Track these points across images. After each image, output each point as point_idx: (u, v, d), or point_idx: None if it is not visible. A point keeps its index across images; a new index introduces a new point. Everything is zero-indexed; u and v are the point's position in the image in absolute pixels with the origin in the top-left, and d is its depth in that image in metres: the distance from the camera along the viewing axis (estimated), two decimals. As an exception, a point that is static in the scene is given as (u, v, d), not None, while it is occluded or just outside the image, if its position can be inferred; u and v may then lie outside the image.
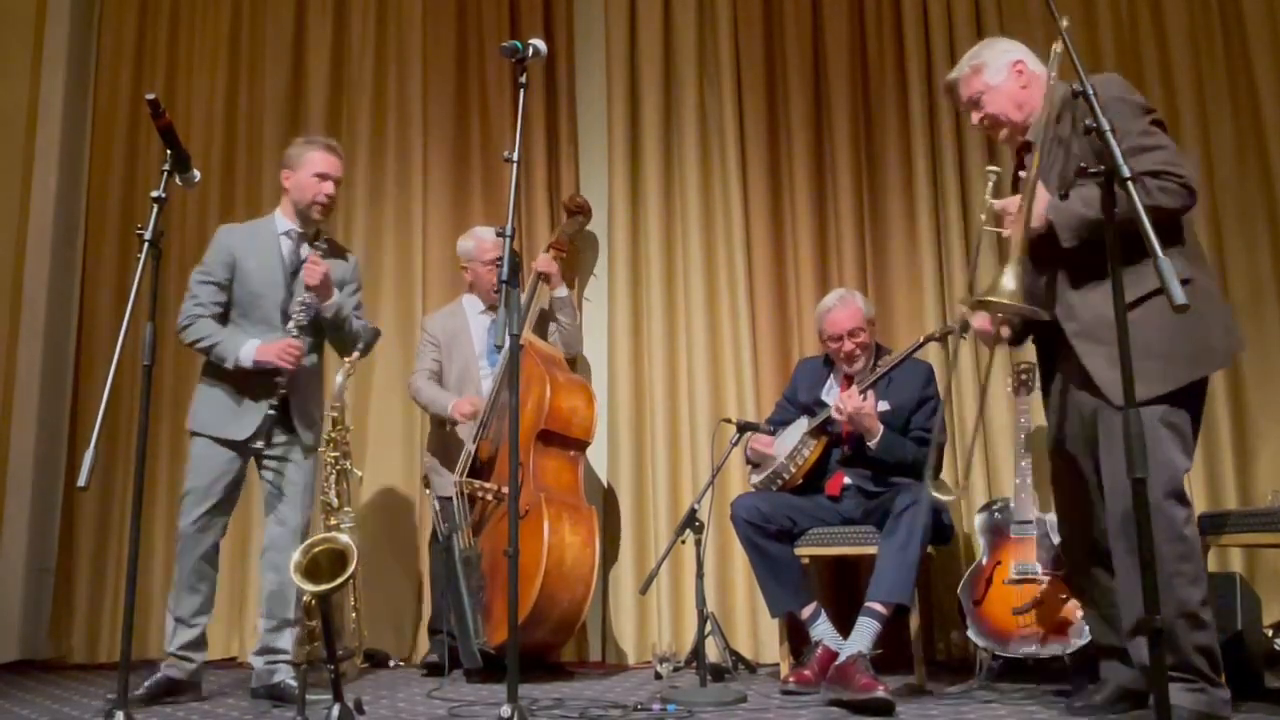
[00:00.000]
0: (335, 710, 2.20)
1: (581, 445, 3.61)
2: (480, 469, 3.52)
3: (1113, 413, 2.20)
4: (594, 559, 3.37)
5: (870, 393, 3.14)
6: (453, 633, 3.33)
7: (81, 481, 2.10)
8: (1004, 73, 2.49)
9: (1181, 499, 2.20)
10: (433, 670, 3.47)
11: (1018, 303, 2.09)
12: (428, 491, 3.67)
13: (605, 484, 4.01)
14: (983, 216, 2.40)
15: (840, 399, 3.15)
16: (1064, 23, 1.87)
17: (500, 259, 3.68)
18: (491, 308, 3.79)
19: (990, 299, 2.10)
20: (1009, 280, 2.04)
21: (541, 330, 3.90)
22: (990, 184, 2.40)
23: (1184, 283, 2.16)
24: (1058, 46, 2.25)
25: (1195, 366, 2.24)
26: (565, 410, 3.50)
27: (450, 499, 3.55)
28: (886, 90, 4.05)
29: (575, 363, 4.08)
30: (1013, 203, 2.29)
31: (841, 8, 4.12)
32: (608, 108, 4.26)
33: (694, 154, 4.14)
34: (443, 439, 3.73)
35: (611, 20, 4.30)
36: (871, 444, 3.12)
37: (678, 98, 4.22)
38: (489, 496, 3.41)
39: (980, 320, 2.60)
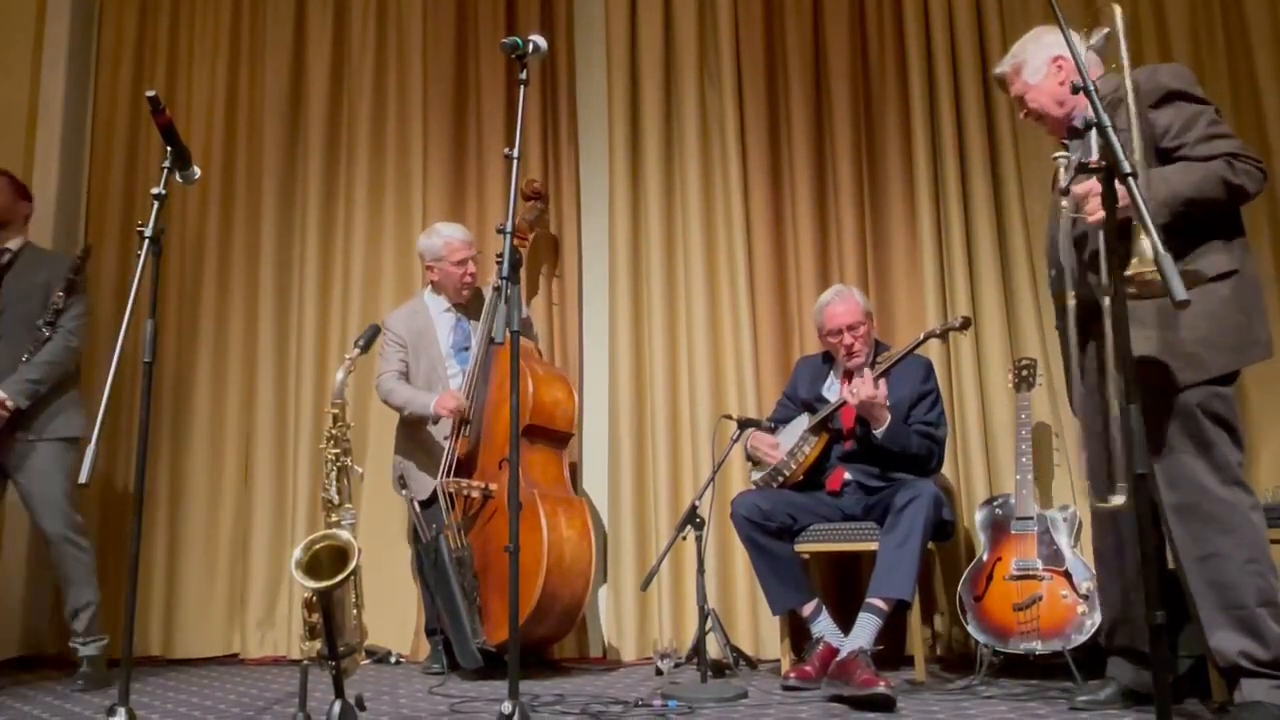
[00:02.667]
0: (336, 707, 2.20)
1: (565, 438, 3.60)
2: (461, 467, 3.50)
3: (1158, 402, 2.18)
4: (591, 551, 3.37)
5: (883, 380, 3.13)
6: (447, 634, 3.33)
7: (82, 478, 2.10)
8: (1043, 70, 2.51)
9: (1242, 486, 2.17)
10: (439, 675, 3.45)
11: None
12: (403, 492, 3.65)
13: (606, 481, 4.00)
14: (1064, 204, 2.32)
15: (855, 382, 3.13)
16: (1119, 13, 1.87)
17: (470, 259, 3.73)
18: (457, 306, 3.77)
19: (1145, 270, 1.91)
20: (1147, 246, 1.85)
21: None
22: (1061, 169, 2.28)
23: (1232, 274, 2.19)
24: (1095, 40, 2.24)
25: (1238, 356, 2.22)
26: (548, 403, 3.49)
27: (429, 501, 3.54)
28: (887, 87, 4.04)
29: (566, 361, 4.10)
30: (1093, 186, 2.15)
31: (842, 4, 4.12)
32: (608, 105, 4.25)
33: (694, 151, 4.13)
34: (415, 440, 3.69)
35: (611, 17, 4.29)
36: (878, 432, 3.12)
37: (678, 95, 4.21)
38: (476, 494, 3.40)
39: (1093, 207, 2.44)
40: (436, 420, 3.56)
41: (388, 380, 3.68)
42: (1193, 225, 2.19)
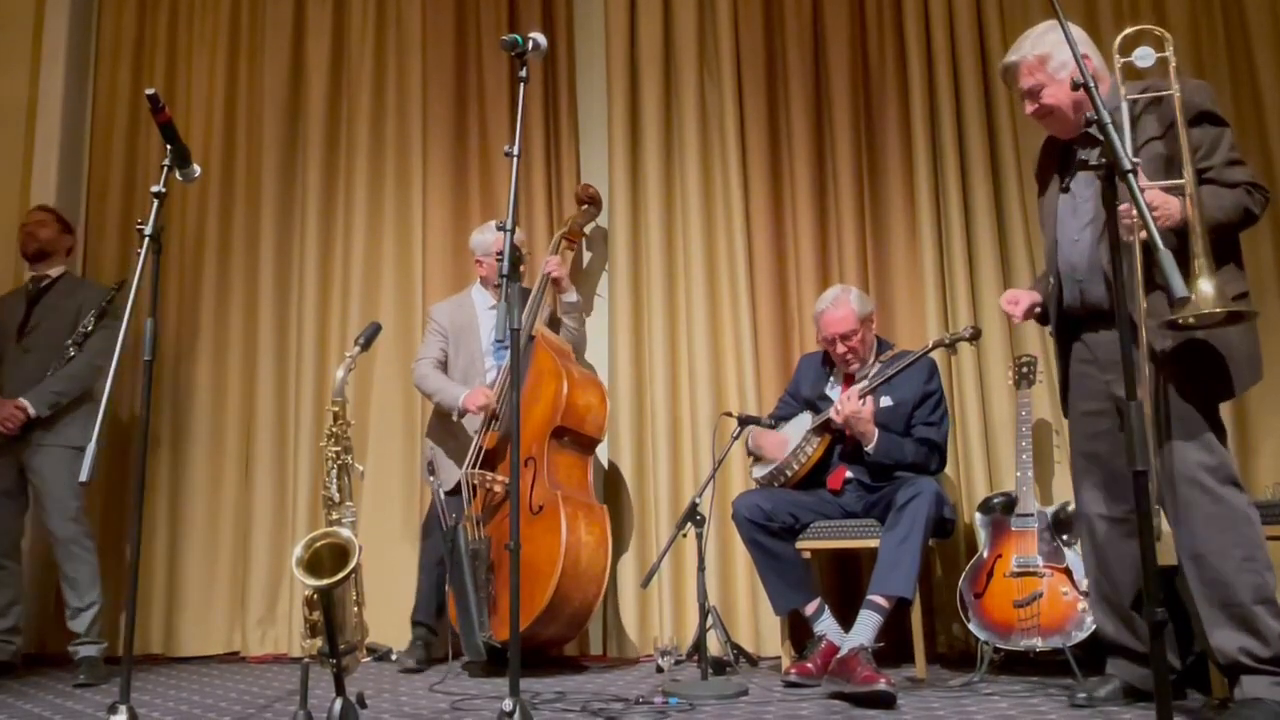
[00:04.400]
0: (337, 705, 2.20)
1: (593, 443, 3.61)
2: (487, 460, 3.52)
3: (1168, 401, 2.20)
4: (607, 559, 3.38)
5: (869, 397, 3.14)
6: (453, 626, 3.34)
7: (84, 476, 2.10)
8: (1071, 66, 2.36)
9: (1237, 484, 2.18)
10: (411, 672, 3.45)
11: (1219, 308, 1.99)
12: (430, 479, 3.67)
13: (606, 478, 4.01)
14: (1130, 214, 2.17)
15: (839, 401, 3.15)
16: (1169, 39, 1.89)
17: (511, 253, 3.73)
18: None
19: (1204, 311, 1.98)
20: (1208, 285, 1.97)
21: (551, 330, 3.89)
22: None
23: (1242, 295, 2.22)
24: (1140, 59, 2.25)
25: (1254, 371, 2.25)
26: (581, 407, 3.50)
27: (454, 491, 3.55)
28: (887, 84, 4.03)
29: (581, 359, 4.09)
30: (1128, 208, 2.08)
31: (842, 3, 4.10)
32: (608, 102, 4.25)
33: (694, 148, 4.13)
34: (446, 428, 3.72)
35: (611, 14, 4.29)
36: (868, 448, 3.13)
37: (678, 92, 4.21)
38: (498, 488, 3.42)
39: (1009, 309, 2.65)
40: (463, 414, 3.58)
41: (423, 366, 3.74)
42: (1212, 247, 2.21)
